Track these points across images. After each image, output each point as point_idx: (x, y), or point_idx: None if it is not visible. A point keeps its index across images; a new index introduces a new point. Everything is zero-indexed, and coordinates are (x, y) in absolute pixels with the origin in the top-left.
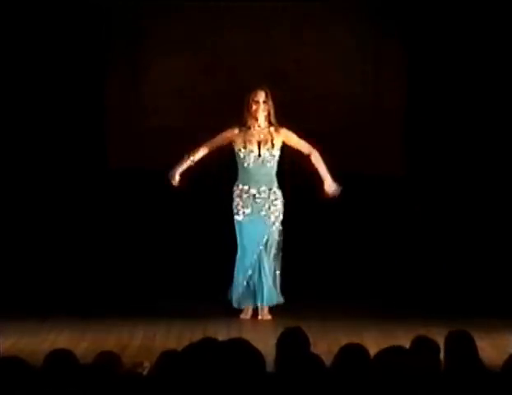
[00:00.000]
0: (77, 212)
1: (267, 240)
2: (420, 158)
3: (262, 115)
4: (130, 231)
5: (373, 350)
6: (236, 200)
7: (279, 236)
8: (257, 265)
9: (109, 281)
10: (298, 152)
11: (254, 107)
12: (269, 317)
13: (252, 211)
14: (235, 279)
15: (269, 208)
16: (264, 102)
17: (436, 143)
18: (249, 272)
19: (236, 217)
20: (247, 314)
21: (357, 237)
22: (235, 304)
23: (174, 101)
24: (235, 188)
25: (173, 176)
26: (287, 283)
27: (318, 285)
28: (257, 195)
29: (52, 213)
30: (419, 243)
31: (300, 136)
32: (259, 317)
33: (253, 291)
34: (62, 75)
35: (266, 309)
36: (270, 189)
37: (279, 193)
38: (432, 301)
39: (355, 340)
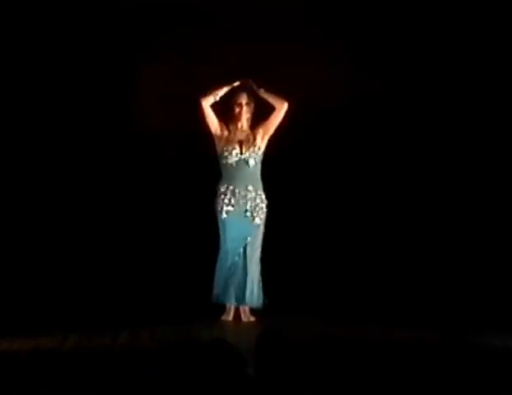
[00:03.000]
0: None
1: (251, 241)
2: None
3: (244, 117)
4: (110, 231)
5: (354, 348)
6: (220, 199)
7: (261, 238)
8: (240, 265)
9: (92, 282)
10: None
11: (237, 110)
12: (252, 318)
13: (236, 209)
14: (216, 276)
15: (254, 209)
16: (247, 104)
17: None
18: (231, 270)
19: (220, 216)
20: (229, 316)
21: (340, 235)
22: (215, 299)
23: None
24: (219, 187)
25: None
26: (270, 284)
27: (301, 287)
28: (242, 196)
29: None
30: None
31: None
32: (242, 318)
33: (236, 291)
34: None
35: (248, 311)
36: (255, 192)
37: (263, 196)
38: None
39: (338, 340)
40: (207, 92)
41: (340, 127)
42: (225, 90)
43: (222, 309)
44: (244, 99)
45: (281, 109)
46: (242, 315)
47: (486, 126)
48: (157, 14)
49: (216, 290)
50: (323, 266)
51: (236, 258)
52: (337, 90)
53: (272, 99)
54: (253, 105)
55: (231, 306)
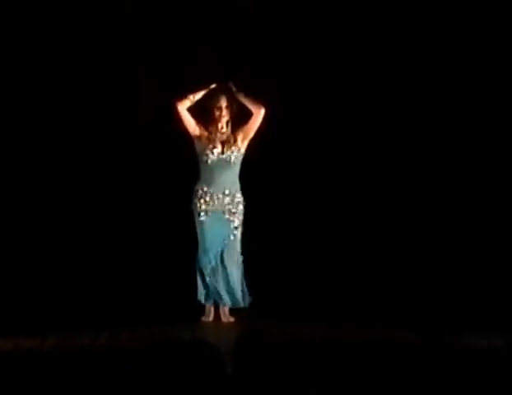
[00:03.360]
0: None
1: (230, 242)
2: None
3: (224, 120)
4: (91, 233)
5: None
6: (198, 201)
7: (240, 238)
8: (219, 266)
9: (71, 283)
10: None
11: (217, 113)
12: (232, 319)
13: (213, 211)
14: (197, 278)
15: (232, 211)
16: (226, 107)
17: None
18: (209, 271)
19: (198, 218)
20: (209, 316)
21: (324, 235)
22: (199, 301)
23: None
24: (197, 188)
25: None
26: (251, 286)
27: (282, 287)
28: (220, 197)
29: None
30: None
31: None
32: (222, 319)
33: (215, 292)
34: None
35: (228, 311)
36: (233, 193)
37: (241, 197)
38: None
39: (318, 341)
40: (182, 96)
41: (323, 125)
42: (202, 93)
43: (202, 309)
44: (223, 103)
45: (258, 114)
46: (222, 316)
47: (486, 126)
48: (155, 15)
49: (200, 291)
50: (304, 266)
51: (215, 259)
52: (318, 88)
53: (249, 104)
54: (232, 108)
55: (211, 307)
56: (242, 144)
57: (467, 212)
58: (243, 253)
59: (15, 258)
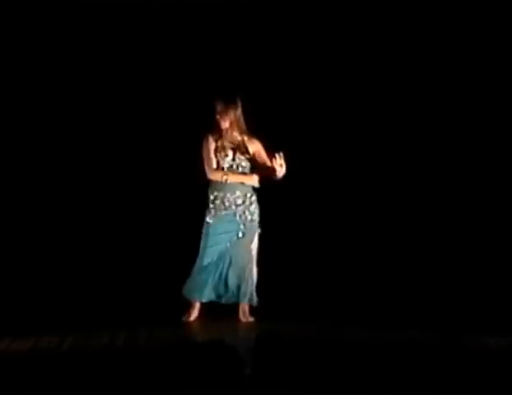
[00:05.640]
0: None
1: (238, 240)
2: None
3: (225, 124)
4: (107, 232)
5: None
6: (210, 205)
7: (257, 238)
8: (222, 263)
9: (89, 283)
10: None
11: (217, 117)
12: (251, 319)
13: (225, 213)
14: (193, 272)
15: (244, 212)
16: (224, 110)
17: None
18: (209, 269)
19: (206, 219)
20: (190, 316)
21: (338, 237)
22: (192, 296)
23: None
24: (208, 194)
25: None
26: (269, 285)
27: (300, 288)
28: (231, 199)
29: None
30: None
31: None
32: (241, 318)
33: (213, 289)
34: None
35: (248, 311)
36: (245, 195)
37: (254, 198)
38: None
39: (336, 342)
40: (217, 173)
41: (337, 128)
42: (236, 177)
43: (222, 310)
44: (219, 107)
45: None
46: (241, 315)
47: (486, 125)
48: (155, 15)
49: (189, 286)
50: (321, 268)
51: (215, 257)
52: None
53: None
54: (234, 110)
55: (197, 305)
56: (251, 155)
57: (484, 215)
58: (260, 255)
59: (32, 260)
